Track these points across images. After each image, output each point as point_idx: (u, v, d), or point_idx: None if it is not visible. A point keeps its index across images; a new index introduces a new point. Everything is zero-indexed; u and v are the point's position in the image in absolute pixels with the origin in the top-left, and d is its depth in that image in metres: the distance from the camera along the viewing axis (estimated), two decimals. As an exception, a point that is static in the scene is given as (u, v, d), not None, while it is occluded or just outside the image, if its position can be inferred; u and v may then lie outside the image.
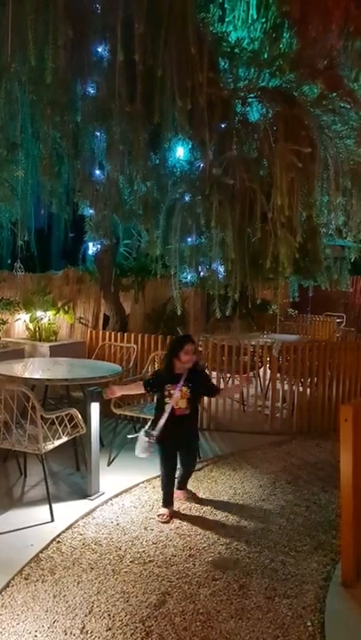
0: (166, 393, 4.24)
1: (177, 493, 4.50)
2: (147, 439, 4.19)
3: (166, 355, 4.41)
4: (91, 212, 5.01)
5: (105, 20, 4.26)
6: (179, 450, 4.38)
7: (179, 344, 4.27)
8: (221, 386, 6.47)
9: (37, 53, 3.96)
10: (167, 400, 4.21)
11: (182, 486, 4.61)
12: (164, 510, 4.27)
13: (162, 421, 4.17)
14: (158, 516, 4.23)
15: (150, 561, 3.59)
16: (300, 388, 6.85)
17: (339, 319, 11.92)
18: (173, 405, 4.18)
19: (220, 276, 5.23)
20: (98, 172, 5.08)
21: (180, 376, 4.21)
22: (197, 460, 4.82)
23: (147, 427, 4.33)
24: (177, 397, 4.19)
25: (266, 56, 5.61)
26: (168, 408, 4.17)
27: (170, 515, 4.24)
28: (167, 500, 4.33)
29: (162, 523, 4.15)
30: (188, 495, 4.61)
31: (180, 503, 4.51)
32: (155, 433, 4.17)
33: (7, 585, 3.23)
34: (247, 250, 4.77)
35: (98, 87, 4.44)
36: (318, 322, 11.51)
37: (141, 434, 4.24)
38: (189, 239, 4.82)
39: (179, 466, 4.45)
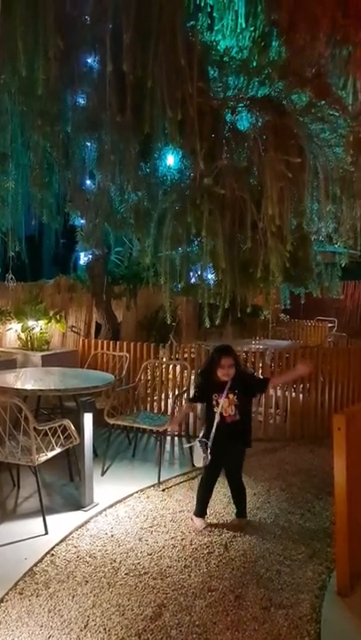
0: (214, 402, 4.24)
1: (236, 521, 4.39)
2: (202, 447, 4.19)
3: (203, 371, 4.41)
4: (82, 222, 5.00)
5: (94, 31, 4.27)
6: (227, 458, 4.35)
7: (213, 360, 4.23)
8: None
9: (28, 64, 3.96)
10: (215, 409, 4.21)
11: (239, 513, 4.41)
12: (199, 521, 4.27)
13: (213, 430, 4.17)
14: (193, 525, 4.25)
15: (145, 573, 3.57)
16: (293, 394, 6.87)
17: (330, 324, 11.98)
18: (223, 413, 4.19)
19: (211, 284, 5.25)
20: (89, 181, 5.08)
21: (225, 383, 4.20)
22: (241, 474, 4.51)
23: (200, 435, 4.31)
24: (225, 405, 4.20)
25: (255, 64, 5.65)
26: (217, 417, 4.18)
27: (204, 524, 4.26)
28: (202, 510, 4.32)
29: (196, 532, 4.17)
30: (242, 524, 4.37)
31: (174, 511, 4.50)
32: (208, 442, 4.17)
33: (1, 600, 3.19)
34: (238, 259, 4.78)
35: (88, 97, 4.44)
36: (310, 327, 11.56)
37: (197, 443, 4.23)
38: (180, 248, 4.82)
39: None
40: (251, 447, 4.39)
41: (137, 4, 4.26)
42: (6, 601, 3.20)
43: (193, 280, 5.60)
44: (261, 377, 4.69)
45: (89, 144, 4.86)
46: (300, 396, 6.87)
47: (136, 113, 4.45)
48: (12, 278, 6.19)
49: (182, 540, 4.05)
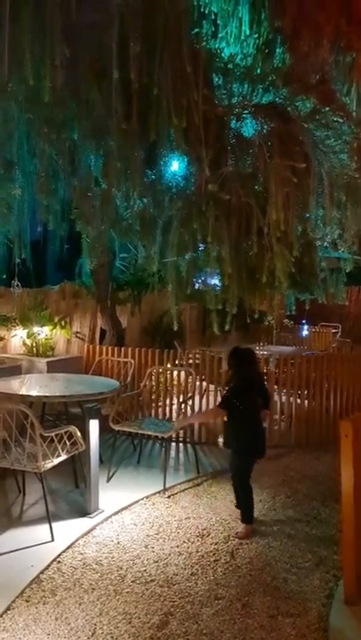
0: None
1: (236, 513, 4.50)
2: None
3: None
4: (88, 229, 5.02)
5: (101, 39, 4.29)
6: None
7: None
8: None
9: (34, 72, 3.98)
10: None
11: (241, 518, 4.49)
12: (250, 527, 4.32)
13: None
14: (237, 533, 4.26)
15: (152, 580, 3.57)
16: (298, 400, 6.85)
17: (334, 330, 11.95)
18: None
19: (216, 290, 5.25)
20: (95, 188, 5.09)
21: None
22: None
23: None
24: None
25: (259, 71, 5.66)
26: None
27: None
28: (252, 516, 4.39)
29: (241, 539, 4.19)
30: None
31: (180, 518, 4.49)
32: None
33: (8, 608, 3.19)
34: (244, 264, 4.79)
35: (94, 105, 4.46)
36: (314, 332, 11.54)
37: None
38: (186, 254, 4.84)
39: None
40: (239, 454, 4.45)
41: (143, 13, 4.28)
42: (13, 608, 3.20)
43: (197, 286, 5.61)
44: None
45: (95, 151, 4.88)
46: (305, 402, 6.85)
47: (142, 120, 4.47)
48: (17, 285, 6.20)
49: (188, 547, 4.05)
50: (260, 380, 4.86)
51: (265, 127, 5.27)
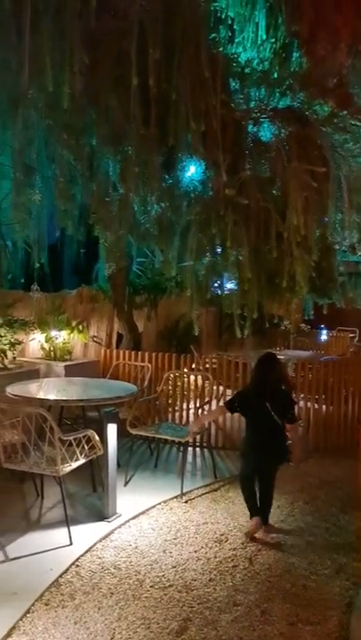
0: None
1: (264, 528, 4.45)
2: None
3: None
4: (106, 234, 5.06)
5: (120, 46, 4.33)
6: None
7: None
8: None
9: (54, 79, 4.03)
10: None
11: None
12: (253, 521, 4.38)
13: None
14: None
15: (170, 585, 3.56)
16: (316, 405, 6.80)
17: (352, 334, 11.86)
18: None
19: (234, 295, 5.24)
20: (113, 193, 5.13)
21: None
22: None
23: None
24: None
25: (276, 76, 5.67)
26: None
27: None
28: (254, 511, 4.43)
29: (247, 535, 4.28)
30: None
31: (197, 523, 4.48)
32: None
33: (27, 611, 3.20)
34: (263, 269, 4.78)
35: (113, 111, 4.50)
36: (332, 337, 11.46)
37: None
38: (205, 259, 4.84)
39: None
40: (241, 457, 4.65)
41: (162, 20, 4.31)
42: (32, 612, 3.21)
43: (214, 291, 5.61)
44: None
45: (113, 157, 4.92)
46: (323, 407, 6.80)
47: (160, 125, 4.49)
48: (37, 289, 6.26)
49: (206, 552, 4.03)
50: (276, 389, 4.40)
51: (283, 131, 5.27)
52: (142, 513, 4.69)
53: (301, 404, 6.79)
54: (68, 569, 3.70)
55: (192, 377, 6.77)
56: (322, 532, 4.43)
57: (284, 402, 4.36)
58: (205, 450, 6.41)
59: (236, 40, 6.18)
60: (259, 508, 4.39)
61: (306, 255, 4.52)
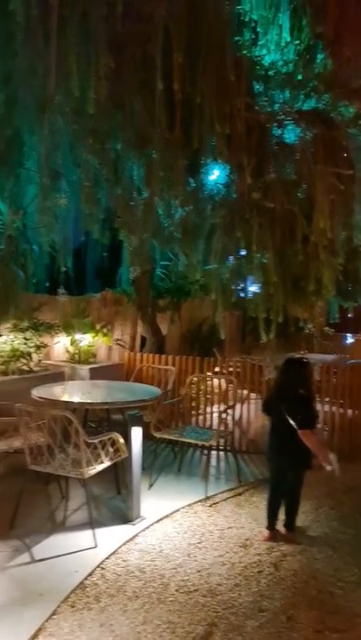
0: None
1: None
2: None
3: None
4: (130, 237, 5.08)
5: (145, 50, 4.35)
6: None
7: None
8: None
9: (80, 85, 4.07)
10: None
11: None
12: (266, 532, 4.41)
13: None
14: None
15: (195, 590, 3.54)
16: (341, 410, 6.72)
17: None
18: None
19: (258, 298, 5.22)
20: (137, 197, 5.15)
21: None
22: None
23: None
24: None
25: (300, 78, 5.63)
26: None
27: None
28: (269, 520, 4.45)
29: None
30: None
31: (222, 527, 4.46)
32: None
33: (53, 613, 3.22)
34: (288, 272, 4.75)
35: (138, 115, 4.53)
36: (357, 340, 11.32)
37: (333, 457, 4.24)
38: (229, 262, 4.83)
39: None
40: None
41: (186, 24, 4.32)
42: (58, 613, 3.22)
43: (241, 294, 5.59)
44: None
45: (138, 161, 4.94)
46: (349, 411, 6.71)
47: (184, 129, 4.50)
48: (63, 293, 6.32)
49: (231, 557, 4.00)
50: (293, 393, 4.23)
51: (308, 133, 5.24)
52: (166, 516, 4.69)
53: (326, 408, 6.72)
54: (93, 571, 3.72)
55: (215, 380, 6.75)
56: (348, 539, 4.37)
57: (296, 406, 4.19)
58: (229, 454, 6.38)
59: (260, 42, 6.16)
60: (275, 520, 4.40)
61: (333, 258, 4.47)
